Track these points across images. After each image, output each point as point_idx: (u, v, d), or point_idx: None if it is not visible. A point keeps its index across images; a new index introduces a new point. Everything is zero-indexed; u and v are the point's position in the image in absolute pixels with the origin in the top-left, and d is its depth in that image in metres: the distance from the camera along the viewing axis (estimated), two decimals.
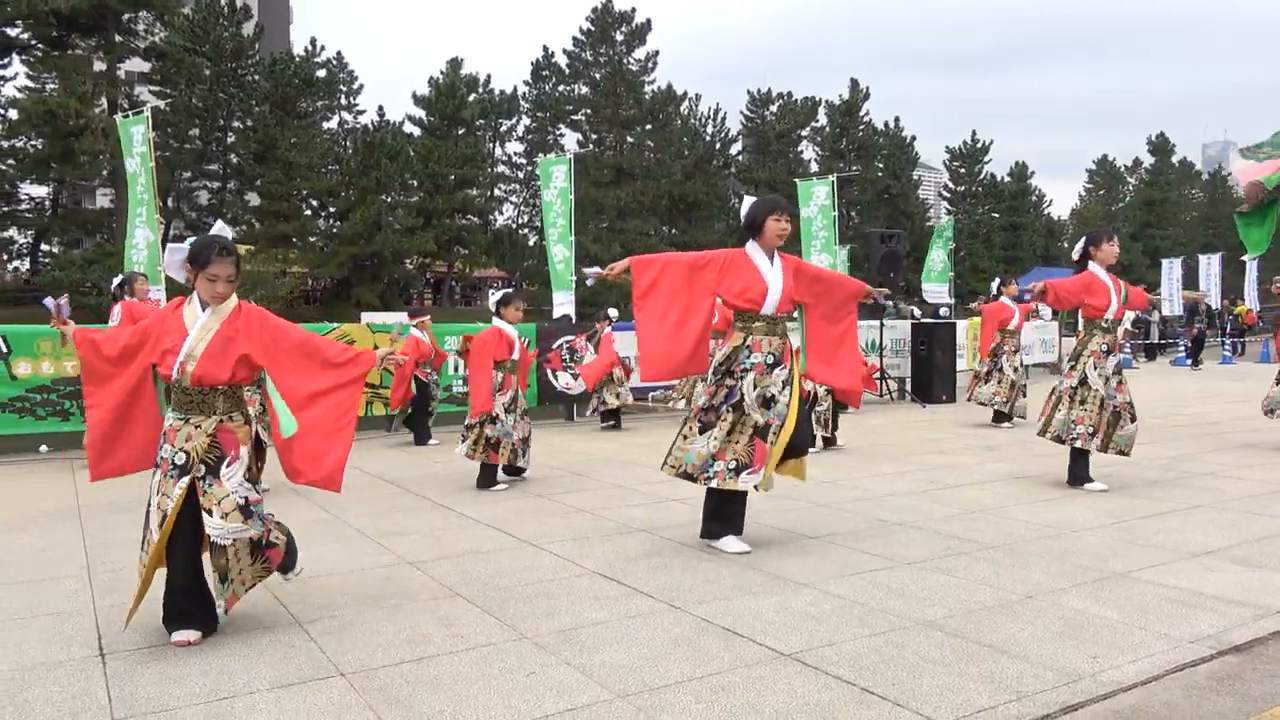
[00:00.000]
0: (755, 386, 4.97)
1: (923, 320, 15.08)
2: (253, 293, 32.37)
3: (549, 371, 11.82)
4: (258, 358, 3.81)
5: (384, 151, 40.55)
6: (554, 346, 11.96)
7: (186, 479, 3.71)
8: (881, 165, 56.06)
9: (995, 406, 10.76)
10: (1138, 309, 7.28)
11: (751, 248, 5.08)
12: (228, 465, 3.74)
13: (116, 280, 8.46)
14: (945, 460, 8.38)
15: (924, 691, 3.21)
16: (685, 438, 5.07)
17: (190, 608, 3.79)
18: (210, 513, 3.70)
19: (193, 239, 3.87)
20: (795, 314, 5.24)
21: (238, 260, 3.86)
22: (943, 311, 15.55)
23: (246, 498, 3.77)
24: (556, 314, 13.46)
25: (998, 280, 11.25)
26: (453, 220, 44.35)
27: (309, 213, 43.09)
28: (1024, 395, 10.83)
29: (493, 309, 7.42)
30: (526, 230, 49.55)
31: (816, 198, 17.75)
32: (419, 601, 4.27)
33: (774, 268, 5.03)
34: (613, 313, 11.63)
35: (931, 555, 4.96)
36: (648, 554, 5.08)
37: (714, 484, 4.96)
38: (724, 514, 5.15)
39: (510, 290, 7.58)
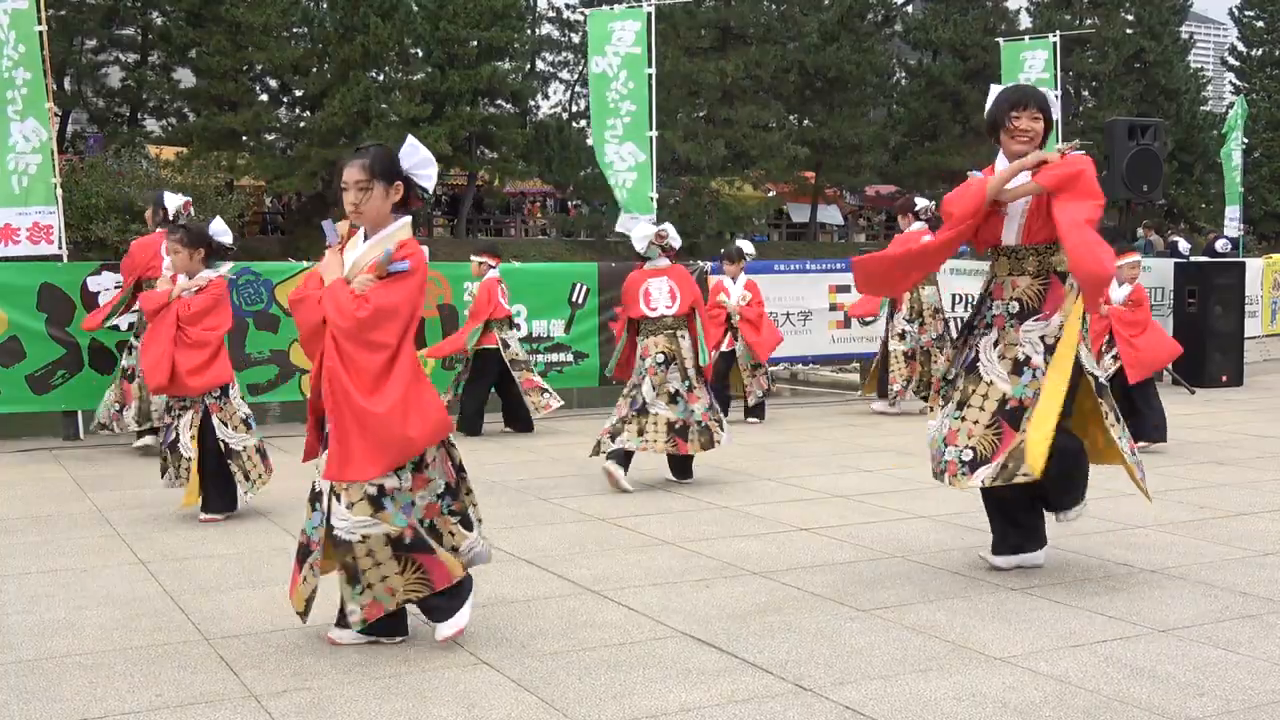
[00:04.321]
0: (997, 343, 5.35)
1: (1191, 259, 14.69)
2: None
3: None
4: None
5: (373, 7, 41.04)
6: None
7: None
8: (1131, 17, 54.38)
9: None
10: None
11: (1000, 161, 5.50)
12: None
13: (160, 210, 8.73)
14: (1224, 474, 8.21)
15: None
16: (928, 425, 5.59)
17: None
18: (338, 497, 4.52)
19: None
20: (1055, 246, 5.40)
21: (370, 165, 4.55)
22: (1222, 245, 15.09)
23: (380, 485, 4.48)
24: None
25: None
26: (475, 108, 44.74)
27: (265, 98, 43.98)
28: None
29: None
30: (583, 123, 49.63)
31: (1029, 67, 17.39)
32: (426, 670, 4.38)
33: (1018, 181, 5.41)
34: (748, 248, 11.64)
35: (1200, 619, 4.90)
36: (764, 609, 5.11)
37: (945, 480, 5.36)
38: (1014, 518, 5.54)
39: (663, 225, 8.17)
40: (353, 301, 4.45)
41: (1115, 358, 9.14)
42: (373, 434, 4.41)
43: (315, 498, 4.62)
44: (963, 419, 5.35)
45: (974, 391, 5.36)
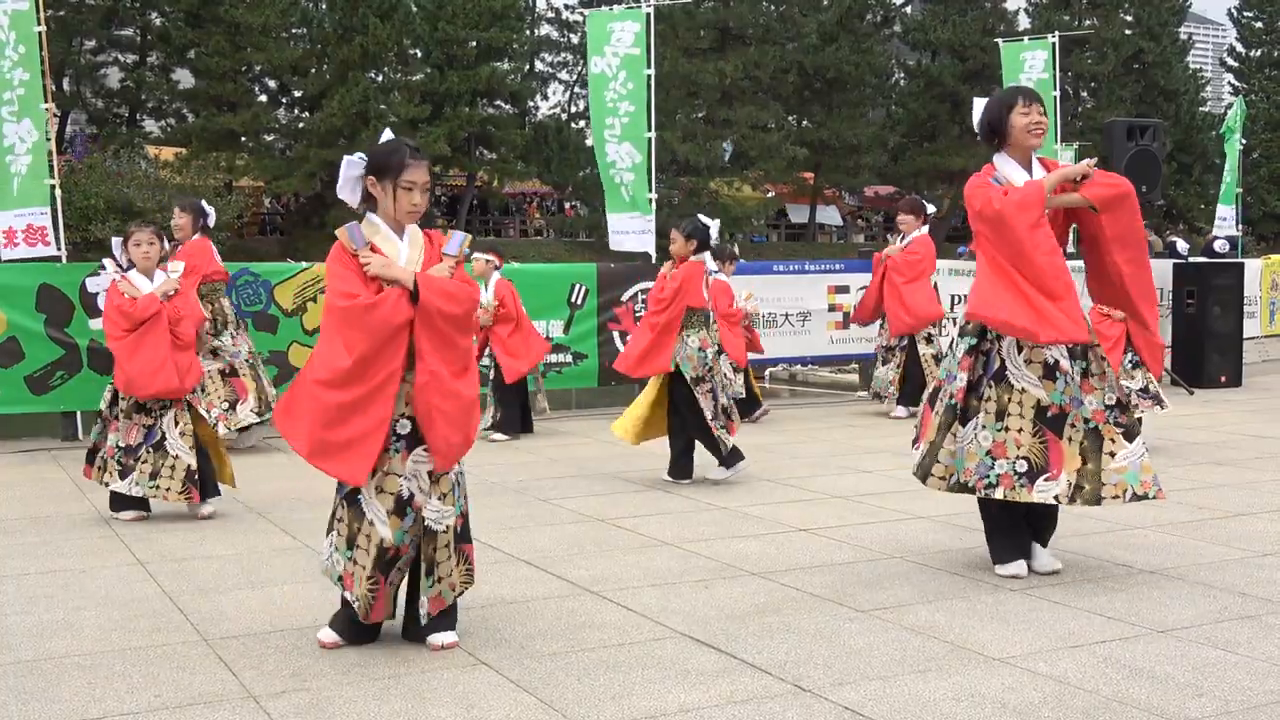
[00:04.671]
0: (1020, 348, 5.33)
1: (1190, 259, 14.70)
2: None
3: (615, 334, 11.91)
4: None
5: (372, 7, 41.07)
6: (623, 299, 12.05)
7: (427, 453, 4.53)
8: (1130, 18, 54.44)
9: None
10: None
11: (1000, 161, 5.48)
12: None
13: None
14: (1223, 475, 8.21)
15: None
16: (953, 435, 5.47)
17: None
18: (428, 493, 4.57)
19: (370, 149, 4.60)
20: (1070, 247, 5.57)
21: (430, 168, 4.60)
22: (1220, 246, 15.11)
23: (461, 473, 4.70)
24: (616, 245, 13.45)
25: None
26: (474, 109, 44.79)
27: (264, 99, 44.01)
28: None
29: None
30: (582, 124, 49.68)
31: (1029, 68, 17.40)
32: (425, 671, 4.38)
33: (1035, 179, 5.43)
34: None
35: (1199, 619, 4.91)
36: (762, 609, 5.12)
37: (999, 494, 5.32)
38: (1006, 527, 5.52)
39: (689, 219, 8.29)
40: (466, 286, 4.56)
41: (1135, 364, 9.06)
42: (466, 417, 4.55)
43: (405, 503, 4.52)
44: (1005, 429, 5.34)
45: (1009, 400, 5.34)
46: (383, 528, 4.51)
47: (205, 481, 7.12)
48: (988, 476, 5.35)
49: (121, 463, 6.99)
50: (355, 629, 4.66)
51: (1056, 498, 5.31)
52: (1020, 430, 5.31)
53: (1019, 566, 5.52)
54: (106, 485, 7.06)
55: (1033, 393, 5.32)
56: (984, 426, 5.39)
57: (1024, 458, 5.30)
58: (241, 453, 9.57)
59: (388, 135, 4.69)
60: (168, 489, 6.92)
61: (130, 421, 7.01)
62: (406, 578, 4.69)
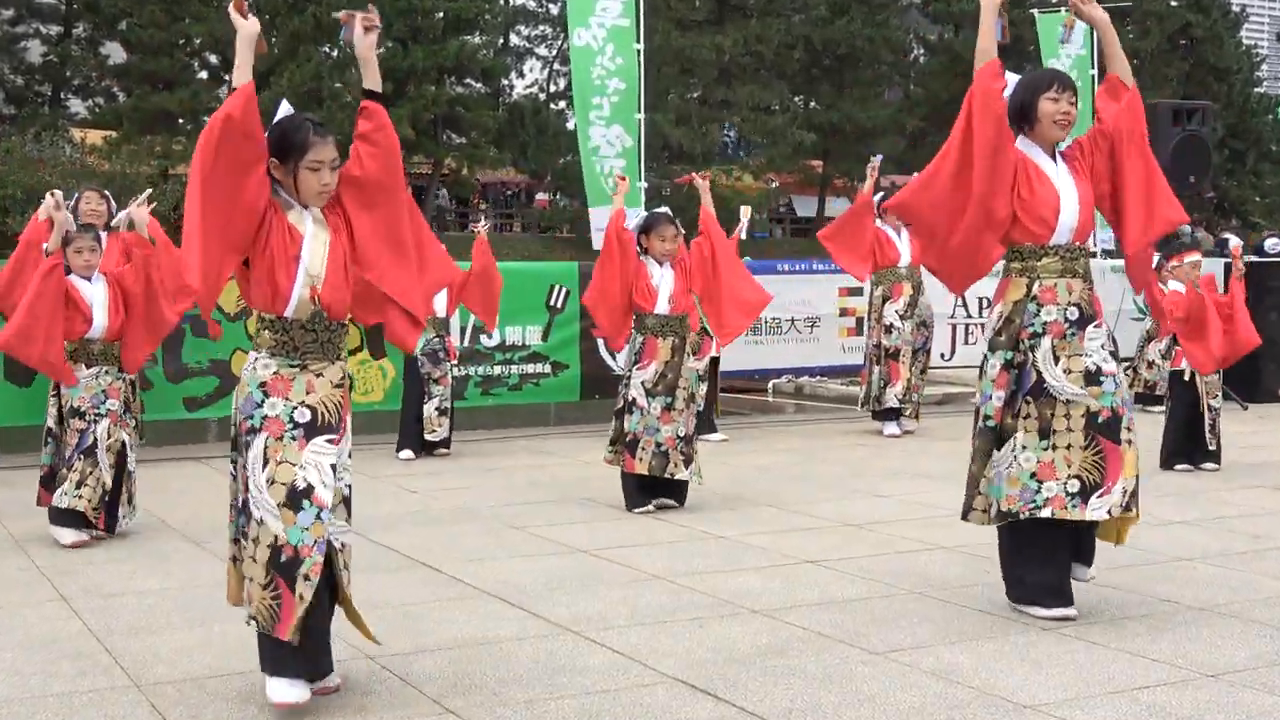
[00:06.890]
0: (1057, 357, 5.32)
1: (1244, 259, 14.69)
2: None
3: (600, 341, 11.91)
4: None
5: None
6: None
7: (330, 445, 4.48)
8: None
9: None
10: None
11: (1023, 145, 5.50)
12: (340, 437, 4.52)
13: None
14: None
15: None
16: (986, 461, 5.44)
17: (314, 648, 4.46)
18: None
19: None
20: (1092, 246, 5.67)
21: (338, 143, 4.63)
22: (1271, 245, 15.14)
23: (350, 486, 4.64)
24: (600, 243, 13.44)
25: None
26: (441, 88, 44.73)
27: (205, 76, 43.93)
28: None
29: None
30: (562, 105, 49.70)
31: (1065, 44, 17.46)
32: (386, 718, 4.36)
33: (1060, 170, 5.47)
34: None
35: (1253, 662, 4.91)
36: (764, 652, 5.12)
37: (1047, 513, 5.28)
38: (1035, 556, 5.43)
39: (658, 211, 8.44)
40: None
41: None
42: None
43: (302, 495, 4.38)
44: (1053, 447, 5.31)
45: (1053, 414, 5.32)
46: (275, 523, 4.36)
47: (112, 507, 7.18)
48: (1034, 501, 5.30)
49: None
50: (276, 658, 4.42)
51: (1110, 512, 5.28)
52: (1070, 446, 5.29)
53: (1068, 610, 5.42)
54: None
55: (1080, 401, 5.30)
56: (1025, 447, 5.35)
57: (1076, 476, 5.27)
58: (180, 475, 9.55)
59: (285, 109, 4.70)
60: (87, 500, 7.02)
61: (67, 428, 7.09)
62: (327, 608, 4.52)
